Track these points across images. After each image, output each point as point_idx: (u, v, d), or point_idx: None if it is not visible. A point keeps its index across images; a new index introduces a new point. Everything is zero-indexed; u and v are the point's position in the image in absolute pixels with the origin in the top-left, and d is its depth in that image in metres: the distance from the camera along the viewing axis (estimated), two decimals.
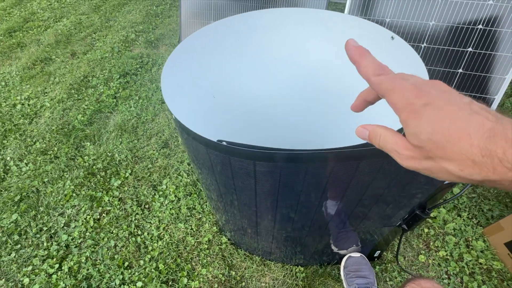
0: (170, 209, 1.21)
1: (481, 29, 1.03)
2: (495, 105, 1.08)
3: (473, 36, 1.05)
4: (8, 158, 1.46)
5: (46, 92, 1.83)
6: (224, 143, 0.47)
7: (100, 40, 2.26)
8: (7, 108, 1.74)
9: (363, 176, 0.54)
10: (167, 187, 1.28)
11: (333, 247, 0.97)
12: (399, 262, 0.99)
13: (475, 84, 1.10)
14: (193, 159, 0.66)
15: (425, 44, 1.12)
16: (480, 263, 0.99)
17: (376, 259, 1.03)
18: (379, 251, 1.01)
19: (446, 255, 1.02)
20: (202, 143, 0.51)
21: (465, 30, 1.05)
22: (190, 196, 1.24)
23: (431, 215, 1.11)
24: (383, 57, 0.72)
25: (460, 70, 1.10)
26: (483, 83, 1.08)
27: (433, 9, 1.08)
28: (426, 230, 1.08)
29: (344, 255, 1.00)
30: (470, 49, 1.07)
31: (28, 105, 1.75)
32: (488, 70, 1.07)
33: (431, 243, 1.05)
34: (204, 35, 0.75)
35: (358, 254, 0.99)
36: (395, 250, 1.04)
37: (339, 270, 1.00)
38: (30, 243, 1.15)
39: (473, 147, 0.20)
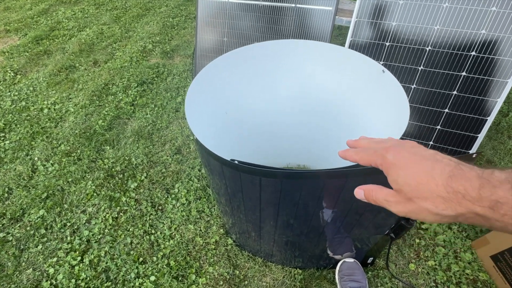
0: (181, 211, 1.32)
1: (483, 33, 1.08)
2: (497, 108, 1.11)
3: (476, 41, 1.10)
4: (36, 159, 1.61)
5: (71, 98, 1.99)
6: (236, 161, 0.57)
7: (120, 50, 2.42)
8: (35, 112, 1.89)
9: (350, 191, 0.64)
10: (179, 190, 1.40)
11: (329, 252, 1.06)
12: (390, 269, 1.08)
13: (478, 87, 1.14)
14: (207, 169, 0.76)
15: (429, 48, 1.18)
16: (467, 274, 1.07)
17: (369, 265, 1.11)
18: (372, 258, 1.09)
19: (435, 264, 1.10)
20: (218, 161, 0.62)
21: (468, 35, 1.11)
22: (199, 200, 1.35)
23: (423, 226, 1.19)
24: (373, 88, 0.82)
25: (464, 73, 1.16)
26: (485, 86, 1.13)
27: (438, 14, 1.14)
28: (417, 240, 1.16)
29: (339, 260, 1.09)
30: (473, 53, 1.12)
31: (54, 109, 1.91)
32: (491, 74, 1.11)
33: (421, 253, 1.13)
34: (220, 63, 0.87)
35: (352, 260, 1.08)
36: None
37: (334, 273, 1.09)
38: (55, 237, 1.27)
39: (438, 186, 0.25)
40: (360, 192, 0.33)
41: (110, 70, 2.19)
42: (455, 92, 1.20)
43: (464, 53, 1.14)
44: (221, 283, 1.09)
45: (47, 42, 2.58)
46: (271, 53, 0.94)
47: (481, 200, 0.23)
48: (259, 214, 0.79)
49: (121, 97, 1.95)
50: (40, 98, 2.00)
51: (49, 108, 1.91)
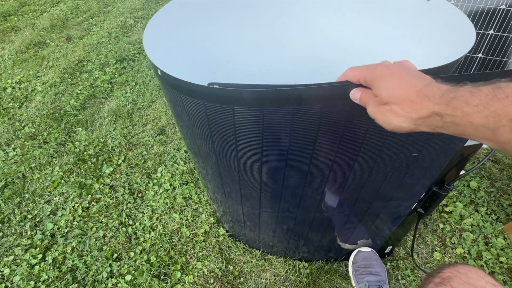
0: (165, 198, 1.12)
1: None
2: None
3: None
4: None
5: (39, 76, 1.75)
6: (216, 86, 0.39)
7: (97, 25, 2.17)
8: None
9: (356, 126, 0.45)
10: (162, 175, 1.20)
11: (339, 242, 0.89)
12: (414, 258, 0.91)
13: None
14: (178, 118, 0.56)
15: (492, 32, 1.00)
16: (501, 262, 0.91)
17: (386, 256, 0.95)
18: (391, 247, 0.92)
19: (464, 252, 0.94)
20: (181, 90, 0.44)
21: None
22: (186, 185, 1.16)
23: (447, 209, 1.03)
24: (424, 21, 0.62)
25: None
26: None
27: None
28: (441, 225, 0.99)
29: (352, 251, 0.92)
30: None
31: (19, 88, 1.67)
32: None
33: (447, 240, 0.96)
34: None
35: (368, 249, 0.91)
36: (408, 246, 0.95)
37: (346, 266, 0.92)
38: (12, 231, 1.07)
39: (412, 92, 0.28)
40: (354, 92, 0.37)
41: (85, 46, 1.95)
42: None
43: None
44: (212, 281, 0.91)
45: (16, 18, 2.31)
46: None
47: (441, 99, 0.26)
48: (238, 172, 0.59)
49: (97, 75, 1.73)
50: (4, 76, 1.76)
51: (13, 87, 1.67)
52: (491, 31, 1.00)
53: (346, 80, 0.36)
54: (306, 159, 0.52)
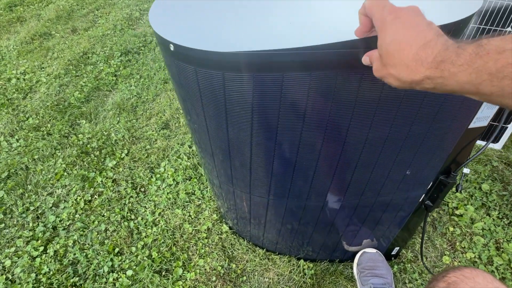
0: (168, 193, 1.10)
1: None
2: None
3: None
4: None
5: (43, 67, 1.74)
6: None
7: (102, 17, 2.15)
8: (1, 82, 1.65)
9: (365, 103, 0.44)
10: (165, 170, 1.18)
11: (345, 245, 0.86)
12: (423, 259, 0.88)
13: None
14: (179, 89, 0.54)
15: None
16: None
17: (393, 258, 0.92)
18: (398, 248, 0.90)
19: (474, 257, 0.91)
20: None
21: None
22: (189, 180, 1.14)
23: (457, 212, 0.99)
24: None
25: None
26: None
27: None
28: (451, 228, 0.96)
29: (357, 252, 0.89)
30: None
31: (24, 79, 1.66)
32: None
33: (457, 243, 0.93)
34: None
35: (373, 250, 0.88)
36: (416, 249, 0.93)
37: (352, 268, 0.89)
38: (14, 222, 1.06)
39: (409, 55, 0.28)
40: (365, 57, 0.36)
41: (90, 38, 1.93)
42: None
43: None
44: (214, 278, 0.89)
45: (21, 9, 2.30)
46: None
47: (432, 63, 0.26)
48: (250, 152, 0.57)
49: (102, 67, 1.71)
50: (9, 67, 1.75)
51: (17, 78, 1.66)
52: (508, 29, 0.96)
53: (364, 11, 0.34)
54: (320, 136, 0.50)
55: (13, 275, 0.94)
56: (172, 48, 0.44)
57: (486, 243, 0.93)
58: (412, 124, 0.50)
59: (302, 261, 0.90)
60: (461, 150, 0.59)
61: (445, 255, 0.92)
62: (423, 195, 0.69)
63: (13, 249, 0.99)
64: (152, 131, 1.34)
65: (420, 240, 0.94)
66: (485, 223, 0.97)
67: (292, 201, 0.68)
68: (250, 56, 0.40)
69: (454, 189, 0.95)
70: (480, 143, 1.16)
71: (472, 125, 0.53)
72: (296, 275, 0.88)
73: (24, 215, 1.08)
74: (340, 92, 0.43)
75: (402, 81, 0.30)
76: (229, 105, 0.48)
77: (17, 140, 1.34)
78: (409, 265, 0.90)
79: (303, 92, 0.43)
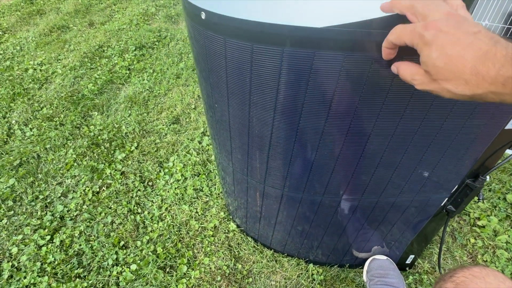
0: (175, 188, 1.09)
1: None
2: None
3: None
4: (14, 122, 1.39)
5: (60, 59, 1.76)
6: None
7: (119, 12, 2.18)
8: (18, 72, 1.68)
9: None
10: (174, 164, 1.16)
11: (354, 252, 0.82)
12: (441, 272, 0.83)
13: None
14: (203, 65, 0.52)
15: None
16: None
17: (408, 268, 0.87)
18: (413, 256, 0.84)
19: (493, 269, 0.84)
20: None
21: None
22: (198, 176, 1.12)
23: (479, 223, 0.93)
24: None
25: None
26: None
27: None
28: (472, 240, 0.90)
29: (366, 258, 0.85)
30: None
31: (40, 70, 1.68)
32: None
33: (479, 256, 0.87)
34: None
35: (384, 257, 0.83)
36: (434, 260, 0.87)
37: (362, 274, 0.85)
38: (24, 210, 1.06)
39: (465, 68, 0.26)
40: (393, 68, 0.34)
41: (106, 32, 1.95)
42: None
43: None
44: (219, 278, 0.86)
45: (41, 2, 2.35)
46: None
47: (497, 78, 0.24)
48: (270, 136, 0.54)
49: (116, 61, 1.72)
50: (27, 58, 1.78)
51: (34, 69, 1.69)
52: None
53: (391, 43, 0.32)
54: (345, 125, 0.47)
55: (19, 262, 0.94)
56: (203, 16, 0.42)
57: (510, 258, 0.87)
58: (445, 119, 0.46)
59: (311, 265, 0.87)
60: (493, 153, 0.54)
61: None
62: (446, 199, 0.64)
63: (20, 236, 0.99)
64: (163, 125, 1.33)
65: (438, 250, 0.89)
66: (509, 236, 0.90)
67: (307, 196, 0.64)
68: (279, 28, 0.37)
69: (475, 198, 0.89)
70: (508, 151, 1.09)
71: (508, 126, 0.48)
72: (304, 280, 0.85)
73: (33, 203, 1.08)
74: (373, 78, 0.40)
75: (460, 95, 0.28)
76: (255, 81, 0.46)
77: (31, 129, 1.35)
78: (425, 276, 0.85)
79: (333, 74, 0.40)
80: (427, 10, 0.29)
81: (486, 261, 0.87)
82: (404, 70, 0.32)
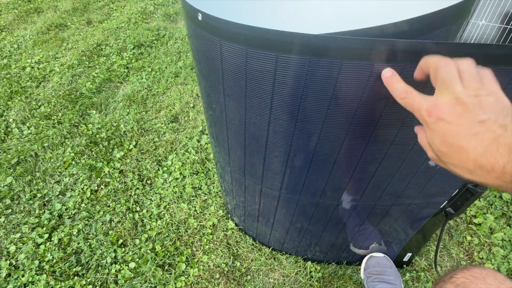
0: (174, 187, 1.09)
1: None
2: None
3: None
4: (11, 120, 1.39)
5: (57, 57, 1.75)
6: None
7: (117, 10, 2.17)
8: (16, 70, 1.67)
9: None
10: (172, 163, 1.16)
11: (351, 247, 0.82)
12: (438, 269, 0.83)
13: None
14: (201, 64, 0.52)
15: None
16: None
17: (405, 265, 0.88)
18: (410, 254, 0.85)
19: (493, 269, 0.85)
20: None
21: None
22: (196, 175, 1.12)
23: (475, 221, 0.94)
24: None
25: None
26: None
27: None
28: (468, 237, 0.91)
29: (364, 256, 0.86)
30: None
31: (38, 68, 1.68)
32: None
33: (475, 254, 0.88)
34: None
35: (381, 255, 0.84)
36: (431, 257, 0.88)
37: (360, 272, 0.86)
38: (21, 209, 1.06)
39: (469, 160, 0.25)
40: (415, 129, 0.35)
41: (104, 31, 1.94)
42: None
43: None
44: (218, 276, 0.87)
45: (39, 0, 2.34)
46: None
47: (504, 174, 0.23)
48: (266, 139, 0.54)
49: (114, 59, 1.71)
50: (24, 56, 1.77)
51: (32, 67, 1.68)
52: None
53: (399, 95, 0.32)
54: (343, 129, 0.47)
55: (17, 261, 0.93)
56: (200, 17, 0.42)
57: (505, 255, 0.88)
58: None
59: (309, 262, 0.87)
60: None
61: (461, 265, 0.87)
62: (445, 201, 0.65)
63: (18, 235, 0.99)
64: (161, 124, 1.33)
65: (435, 247, 0.89)
66: (505, 233, 0.91)
67: (304, 198, 0.64)
68: (273, 34, 0.38)
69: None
70: None
71: None
72: (302, 277, 0.85)
73: (31, 201, 1.08)
74: (372, 87, 0.39)
75: (468, 179, 0.27)
76: (250, 85, 0.46)
77: (28, 128, 1.35)
78: (422, 273, 0.85)
79: (329, 82, 0.40)
80: (440, 83, 0.28)
81: (482, 258, 0.88)
82: (421, 138, 0.32)
